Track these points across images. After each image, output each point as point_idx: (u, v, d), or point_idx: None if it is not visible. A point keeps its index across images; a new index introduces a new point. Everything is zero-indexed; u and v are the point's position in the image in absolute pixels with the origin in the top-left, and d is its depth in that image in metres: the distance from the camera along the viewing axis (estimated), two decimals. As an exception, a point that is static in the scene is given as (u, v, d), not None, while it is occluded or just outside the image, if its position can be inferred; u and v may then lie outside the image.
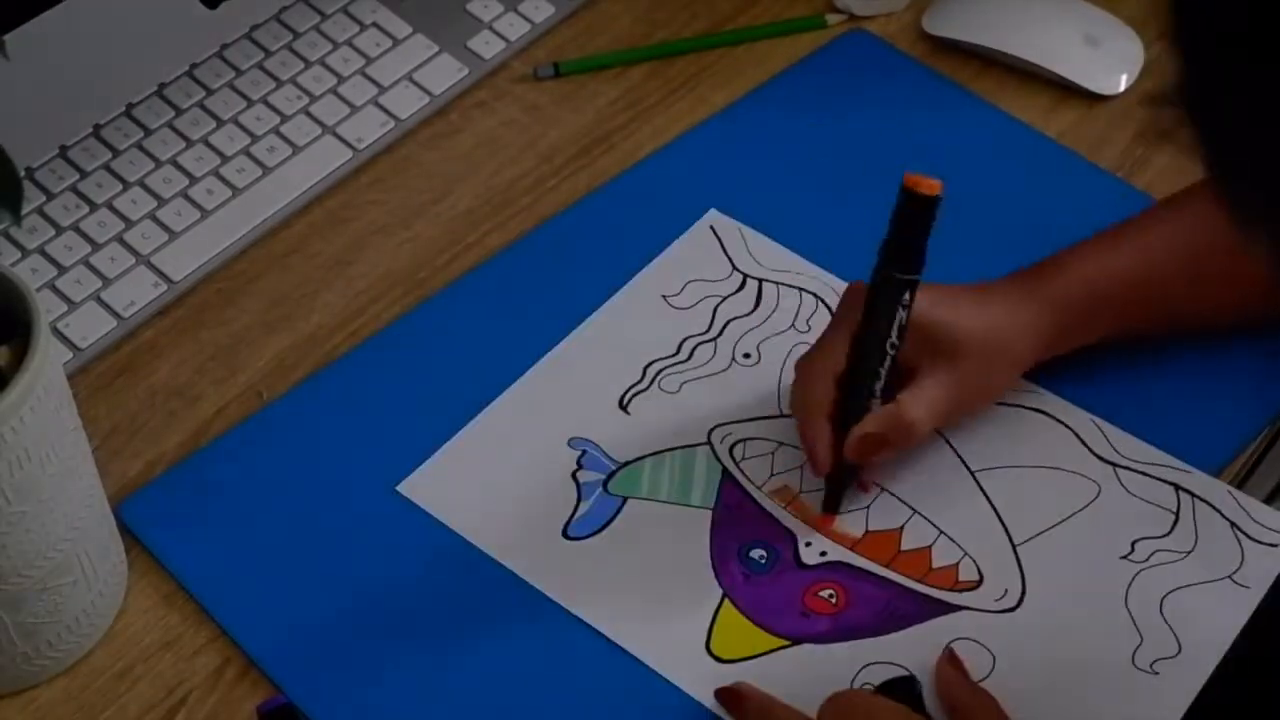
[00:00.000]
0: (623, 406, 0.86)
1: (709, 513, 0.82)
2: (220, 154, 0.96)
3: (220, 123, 0.97)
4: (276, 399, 0.87)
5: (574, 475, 0.83)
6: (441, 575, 0.80)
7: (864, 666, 0.76)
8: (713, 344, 0.88)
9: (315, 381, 0.88)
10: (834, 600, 0.79)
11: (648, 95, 1.02)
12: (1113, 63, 1.02)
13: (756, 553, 0.80)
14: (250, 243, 0.94)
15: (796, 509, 0.82)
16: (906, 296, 0.78)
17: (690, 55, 1.04)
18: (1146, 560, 0.79)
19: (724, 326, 0.89)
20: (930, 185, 0.76)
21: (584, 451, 0.84)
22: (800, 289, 0.90)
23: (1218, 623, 0.77)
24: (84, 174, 0.94)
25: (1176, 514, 0.80)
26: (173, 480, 0.84)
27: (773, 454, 0.84)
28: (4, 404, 0.65)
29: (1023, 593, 0.78)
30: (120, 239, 0.92)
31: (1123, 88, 1.01)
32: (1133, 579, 0.78)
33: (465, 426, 0.85)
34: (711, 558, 0.80)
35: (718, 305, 0.90)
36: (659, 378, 0.87)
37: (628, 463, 0.84)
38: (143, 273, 0.91)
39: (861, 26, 1.05)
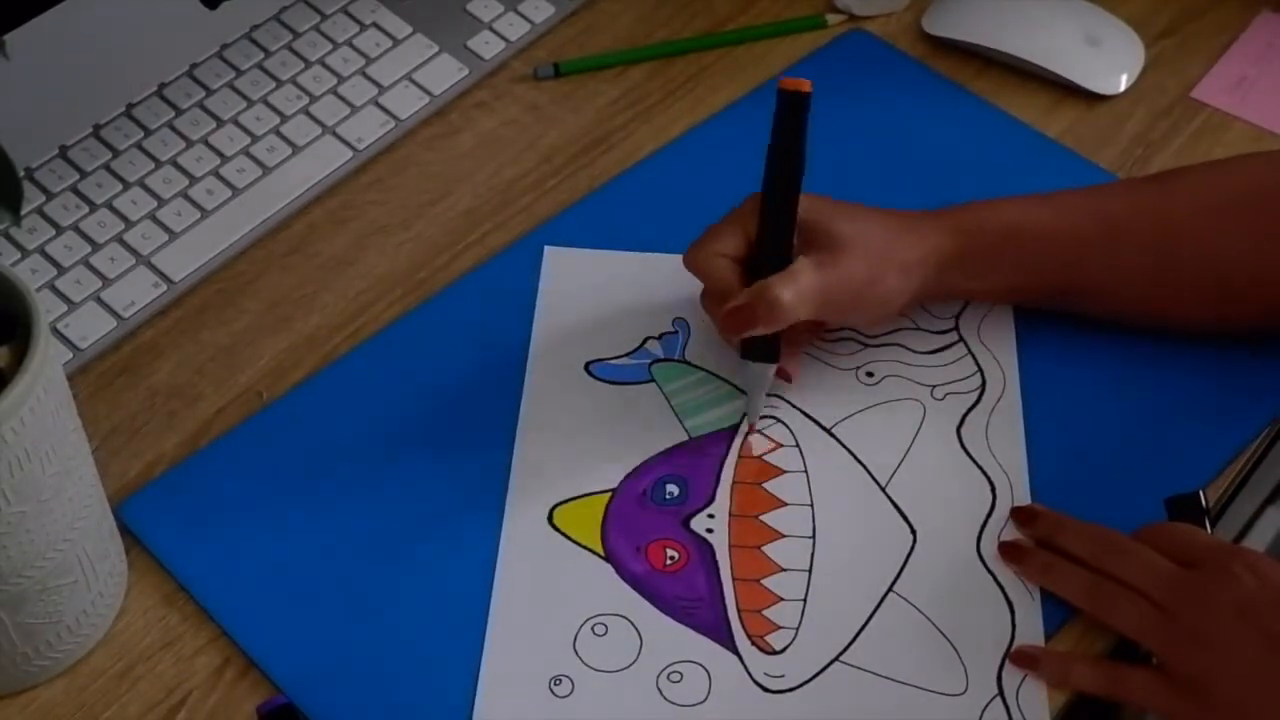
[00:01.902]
0: None
1: (685, 438, 0.84)
2: (220, 154, 0.96)
3: (220, 123, 0.97)
4: (276, 399, 0.87)
5: (646, 338, 0.88)
6: (442, 575, 0.80)
7: (614, 613, 0.78)
8: (861, 346, 0.88)
9: (315, 382, 0.88)
10: (670, 561, 0.80)
11: (648, 95, 1.02)
12: (1113, 63, 1.02)
13: (672, 487, 0.83)
14: (250, 243, 0.94)
15: (742, 493, 0.82)
16: (795, 198, 0.82)
17: (690, 55, 1.04)
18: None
19: (887, 344, 0.88)
20: (801, 84, 0.82)
21: (675, 332, 0.88)
22: None
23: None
24: (84, 174, 0.94)
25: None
26: (173, 480, 0.84)
27: (782, 446, 0.84)
28: (4, 404, 0.65)
29: (792, 689, 0.76)
30: (120, 239, 0.92)
31: (1123, 88, 1.01)
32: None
33: (635, 252, 0.92)
34: (641, 463, 0.83)
35: (904, 329, 0.89)
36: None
37: (688, 363, 0.87)
38: (143, 273, 0.91)
39: (861, 26, 1.05)
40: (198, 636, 0.79)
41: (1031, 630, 0.77)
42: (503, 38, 1.03)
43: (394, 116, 0.99)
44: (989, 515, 0.81)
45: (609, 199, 0.96)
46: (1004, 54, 1.02)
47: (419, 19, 1.04)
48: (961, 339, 0.88)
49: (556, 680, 0.76)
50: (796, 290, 0.80)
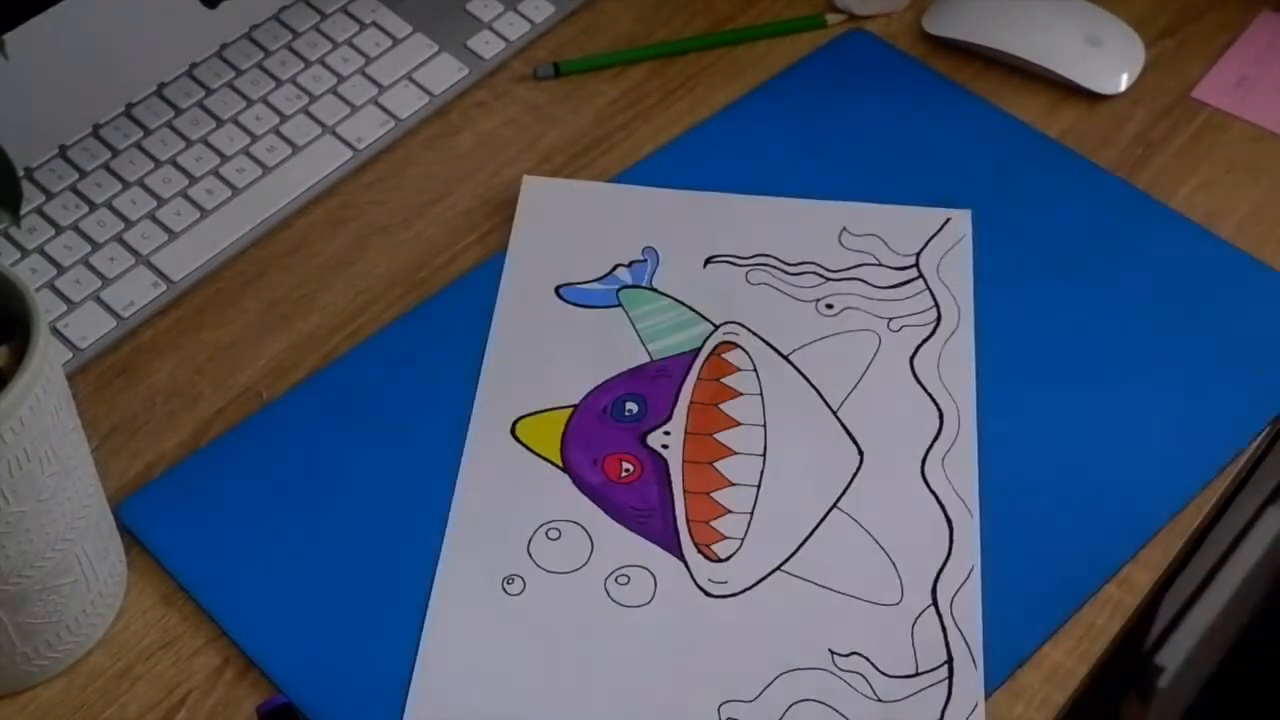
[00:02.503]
0: (706, 262, 0.91)
1: (649, 362, 0.87)
2: (220, 154, 0.96)
3: (220, 122, 0.97)
4: (276, 399, 0.87)
5: (616, 266, 0.91)
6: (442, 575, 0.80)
7: (566, 519, 0.81)
8: (823, 280, 0.91)
9: (315, 382, 0.88)
10: (626, 474, 0.83)
11: (648, 95, 1.02)
12: (1113, 63, 1.02)
13: (631, 405, 0.85)
14: (250, 243, 0.94)
15: (698, 412, 0.85)
16: None
17: (690, 55, 1.04)
18: (844, 671, 0.77)
19: (848, 278, 0.91)
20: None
21: (644, 260, 0.91)
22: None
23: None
24: (83, 174, 0.94)
25: (917, 673, 0.77)
26: (173, 480, 0.84)
27: (740, 371, 0.86)
28: (3, 404, 0.65)
29: (732, 594, 0.79)
30: (120, 239, 0.92)
31: (1123, 88, 1.01)
32: (812, 668, 0.77)
33: (615, 184, 0.95)
34: (602, 383, 0.86)
35: (866, 264, 0.91)
36: (755, 267, 0.91)
37: (655, 290, 0.90)
38: (142, 273, 0.91)
39: (861, 26, 1.05)
40: (197, 636, 0.79)
41: (968, 545, 0.80)
42: (503, 37, 1.03)
43: (394, 116, 0.99)
44: (934, 439, 0.84)
45: (609, 199, 0.96)
46: (1004, 54, 1.02)
47: (419, 18, 1.04)
48: (921, 275, 0.90)
49: (509, 579, 0.79)
50: None
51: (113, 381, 0.88)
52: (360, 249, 0.94)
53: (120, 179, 0.94)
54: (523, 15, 1.04)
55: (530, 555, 0.80)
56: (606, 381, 0.86)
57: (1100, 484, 0.83)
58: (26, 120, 0.92)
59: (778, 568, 0.80)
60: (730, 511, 0.82)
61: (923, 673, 0.77)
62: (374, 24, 1.03)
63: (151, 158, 0.95)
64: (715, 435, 0.84)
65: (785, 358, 0.87)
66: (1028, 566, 0.80)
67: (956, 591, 0.79)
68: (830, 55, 1.04)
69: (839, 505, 0.82)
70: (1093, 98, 1.01)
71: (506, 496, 0.82)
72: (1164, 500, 0.83)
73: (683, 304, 0.89)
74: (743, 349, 0.87)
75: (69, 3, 0.93)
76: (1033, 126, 0.99)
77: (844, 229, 0.92)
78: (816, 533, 0.81)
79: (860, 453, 0.84)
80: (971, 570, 0.80)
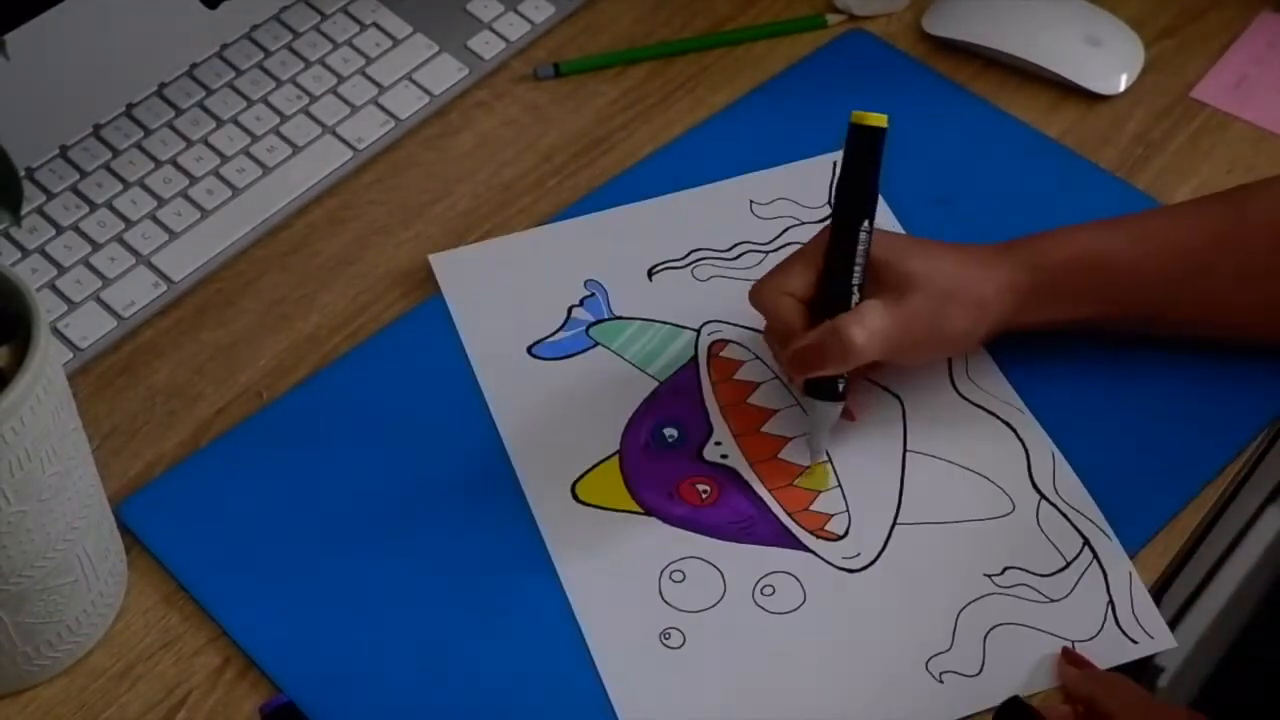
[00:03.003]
0: (650, 274, 0.91)
1: (655, 384, 0.86)
2: (220, 154, 0.96)
3: (220, 123, 0.97)
4: (276, 399, 0.87)
5: (570, 308, 0.90)
6: (443, 573, 0.80)
7: (683, 557, 0.80)
8: (763, 255, 0.91)
9: (315, 382, 0.88)
10: (705, 495, 0.82)
11: (648, 95, 1.02)
12: (1113, 63, 1.02)
13: (669, 430, 0.85)
14: (250, 243, 0.94)
15: (733, 413, 0.85)
16: (864, 234, 0.80)
17: (690, 55, 1.04)
18: (1008, 588, 0.79)
19: (784, 245, 0.91)
20: (877, 118, 0.80)
21: (592, 294, 0.90)
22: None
23: (1028, 674, 0.76)
24: (84, 174, 0.94)
25: (1068, 563, 0.79)
26: (173, 480, 0.84)
27: (744, 362, 0.87)
28: (4, 404, 0.65)
29: (872, 561, 0.80)
30: (120, 239, 0.92)
31: (1123, 88, 1.01)
32: (982, 596, 0.78)
33: (518, 232, 0.93)
34: (631, 418, 0.85)
35: (791, 227, 0.92)
36: (697, 264, 0.91)
37: (620, 318, 0.89)
38: (143, 273, 0.91)
39: (861, 26, 1.05)
40: (198, 636, 0.79)
41: (1037, 436, 0.83)
42: (503, 38, 1.03)
43: (394, 116, 0.99)
44: (951, 363, 0.86)
45: (609, 199, 0.96)
46: (1004, 54, 1.02)
47: (419, 19, 1.04)
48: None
49: (665, 635, 0.78)
50: (867, 331, 0.79)
51: (113, 381, 0.88)
52: (360, 249, 0.94)
53: (121, 179, 0.94)
54: (523, 15, 1.05)
55: (669, 604, 0.79)
56: (631, 417, 0.85)
57: (1100, 484, 0.83)
58: (27, 120, 0.92)
59: (895, 523, 0.81)
60: (820, 491, 0.82)
61: (1071, 561, 0.79)
62: (374, 24, 1.03)
63: (152, 158, 0.95)
64: (762, 429, 0.84)
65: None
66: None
67: (1053, 477, 0.82)
68: (830, 55, 1.04)
69: (909, 448, 0.83)
70: (1092, 98, 1.01)
71: (611, 560, 0.80)
72: (1164, 500, 0.83)
73: (654, 321, 0.89)
74: (735, 342, 0.88)
75: (69, 3, 0.92)
76: (1033, 126, 0.99)
77: (751, 201, 0.93)
78: (905, 479, 0.82)
79: (896, 395, 0.85)
80: (1053, 455, 0.83)
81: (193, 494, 0.83)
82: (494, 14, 1.04)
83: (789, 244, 0.90)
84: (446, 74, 1.01)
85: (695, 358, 0.87)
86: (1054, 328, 0.85)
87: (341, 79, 1.00)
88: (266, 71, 1.00)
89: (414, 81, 1.01)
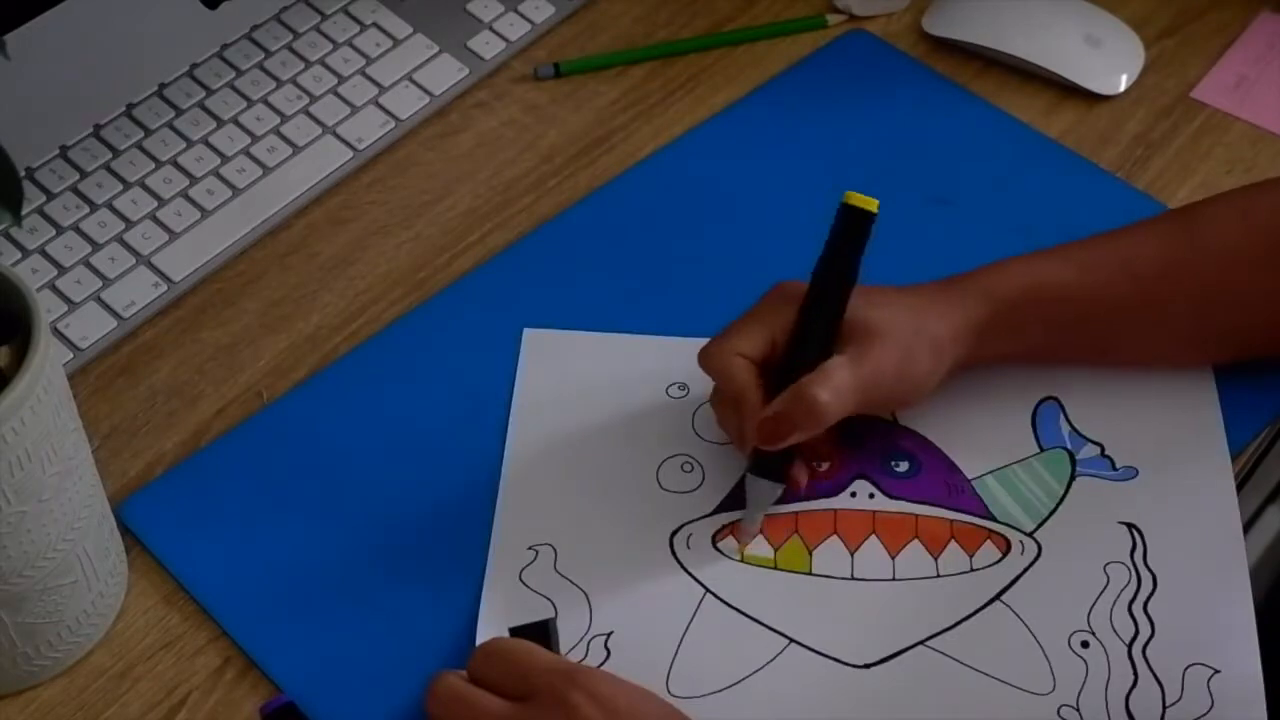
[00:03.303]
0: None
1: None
2: (220, 154, 0.96)
3: (220, 123, 0.97)
4: (276, 399, 0.87)
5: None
6: (441, 576, 0.80)
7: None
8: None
9: (315, 382, 0.88)
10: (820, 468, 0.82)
11: (648, 95, 1.02)
12: (1113, 63, 1.02)
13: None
14: (250, 243, 0.94)
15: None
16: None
17: (690, 55, 1.04)
18: None
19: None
20: (868, 202, 0.79)
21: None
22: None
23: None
24: (84, 174, 0.94)
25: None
26: (173, 480, 0.84)
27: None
28: (4, 404, 0.65)
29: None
30: (120, 239, 0.92)
31: (1123, 88, 1.01)
32: None
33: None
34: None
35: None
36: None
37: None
38: (143, 273, 0.91)
39: (861, 27, 1.05)
40: (198, 636, 0.79)
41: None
42: (503, 38, 1.03)
43: (394, 116, 0.99)
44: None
45: (609, 199, 0.96)
46: (1004, 54, 1.02)
47: (419, 19, 1.04)
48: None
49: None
50: (834, 389, 0.76)
51: (113, 382, 0.88)
52: (360, 249, 0.94)
53: (121, 179, 0.94)
54: (523, 16, 1.05)
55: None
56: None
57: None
58: (27, 120, 0.92)
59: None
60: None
61: None
62: (374, 24, 1.03)
63: (152, 158, 0.95)
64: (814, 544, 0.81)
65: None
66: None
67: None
68: (830, 56, 1.04)
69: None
70: (1092, 98, 1.01)
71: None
72: (1164, 500, 0.83)
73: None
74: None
75: (70, 3, 0.93)
76: (1032, 127, 0.99)
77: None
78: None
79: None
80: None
81: (193, 494, 0.83)
82: (494, 14, 1.04)
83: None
84: (447, 74, 1.01)
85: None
86: (1008, 360, 0.83)
87: (342, 79, 1.00)
88: (267, 72, 1.00)
89: (414, 82, 1.01)
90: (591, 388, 0.86)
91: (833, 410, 0.77)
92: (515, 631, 0.75)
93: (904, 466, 0.82)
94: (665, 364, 0.86)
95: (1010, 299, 0.81)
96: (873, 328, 0.78)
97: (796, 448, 0.79)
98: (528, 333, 0.88)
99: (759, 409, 0.78)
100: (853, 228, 0.79)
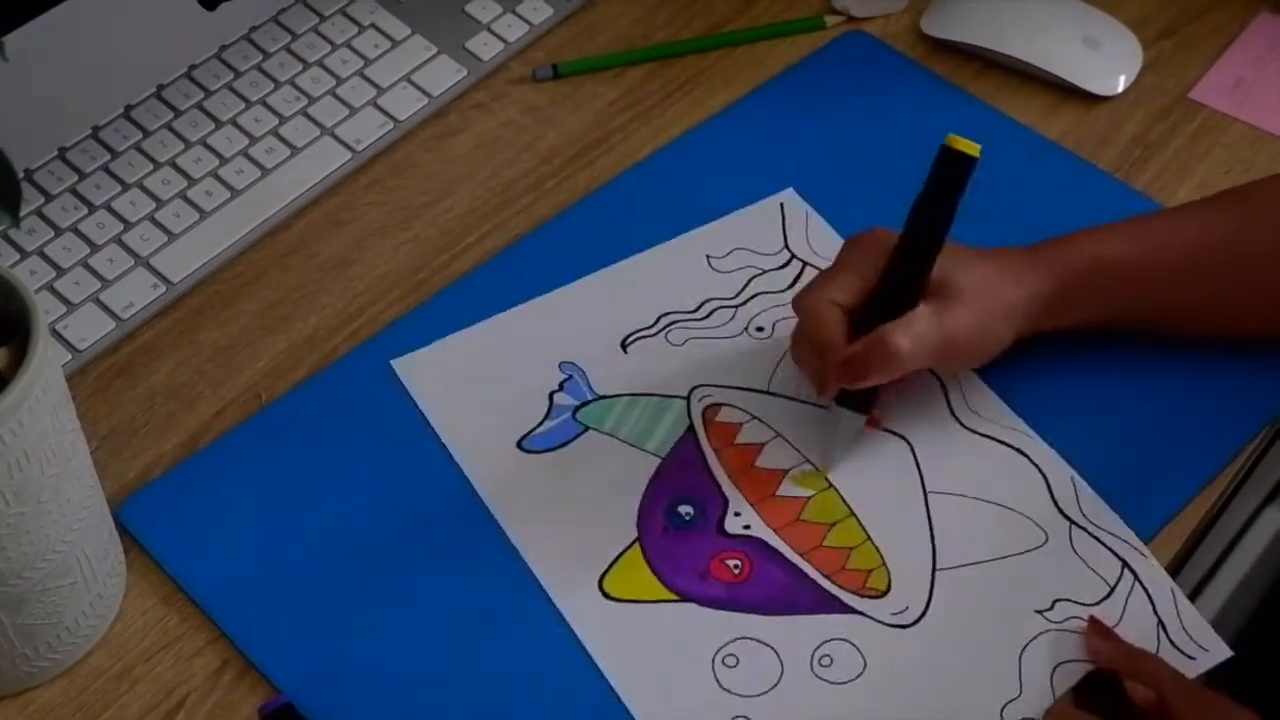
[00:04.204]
0: (623, 346, 0.88)
1: (657, 461, 0.83)
2: (219, 155, 0.96)
3: (219, 124, 0.97)
4: (276, 400, 0.87)
5: (551, 394, 0.86)
6: (440, 576, 0.80)
7: (732, 640, 0.77)
8: (733, 310, 0.89)
9: (314, 383, 0.88)
10: (738, 571, 0.80)
11: (647, 96, 1.02)
12: (1112, 63, 1.02)
13: (685, 509, 0.82)
14: (249, 244, 0.94)
15: (745, 480, 0.83)
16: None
17: (689, 56, 1.04)
18: (1061, 622, 0.78)
19: (751, 297, 0.90)
20: (971, 146, 0.80)
21: (570, 376, 0.87)
22: None
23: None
24: (82, 175, 0.94)
25: (1112, 589, 0.79)
26: (172, 481, 0.84)
27: (742, 424, 0.85)
28: (3, 406, 0.65)
29: (922, 614, 0.78)
30: (119, 240, 0.92)
31: (1122, 88, 1.01)
32: (1038, 635, 0.77)
33: (476, 324, 0.89)
34: (641, 501, 0.82)
35: (754, 276, 0.91)
36: (669, 329, 0.89)
37: (604, 397, 0.86)
38: (141, 274, 0.91)
39: (860, 28, 1.05)
40: (197, 637, 0.79)
41: (1051, 459, 0.82)
42: (501, 39, 1.03)
43: (392, 118, 0.99)
44: (947, 393, 0.84)
45: (608, 200, 0.96)
46: (1003, 55, 1.02)
47: (417, 20, 1.04)
48: (802, 260, 0.90)
49: None
50: (914, 337, 0.79)
51: (112, 383, 0.88)
52: (359, 250, 0.94)
53: (119, 181, 0.94)
54: (521, 17, 1.05)
55: (729, 691, 0.76)
56: (642, 501, 0.82)
57: (1100, 484, 0.83)
58: (26, 122, 0.92)
59: (935, 570, 0.79)
60: (852, 548, 0.80)
61: (1114, 586, 0.78)
62: (373, 26, 1.03)
63: (150, 159, 0.95)
64: (777, 493, 0.82)
65: (765, 392, 0.86)
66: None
67: (1077, 500, 0.81)
68: (829, 57, 1.04)
69: (928, 489, 0.82)
70: (1091, 99, 1.01)
71: (660, 657, 0.77)
72: (1163, 501, 0.83)
73: (640, 394, 0.86)
74: (728, 404, 0.85)
75: (69, 3, 0.93)
76: (1031, 128, 0.99)
77: (707, 257, 0.91)
78: (934, 523, 0.81)
79: (902, 436, 0.83)
80: (1072, 479, 0.82)
81: (192, 495, 0.83)
82: (492, 15, 1.04)
83: (756, 294, 0.89)
84: (445, 75, 1.01)
85: (691, 426, 0.85)
86: (1064, 330, 0.85)
87: (340, 80, 1.00)
88: (265, 73, 1.00)
89: (412, 83, 1.01)
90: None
91: (911, 358, 0.79)
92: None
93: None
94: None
95: (1076, 273, 0.83)
96: (958, 286, 0.80)
97: (880, 387, 0.81)
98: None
99: (842, 353, 0.80)
100: (952, 171, 0.80)
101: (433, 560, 0.80)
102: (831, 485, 0.82)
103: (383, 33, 1.03)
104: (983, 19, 1.03)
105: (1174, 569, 0.83)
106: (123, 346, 0.90)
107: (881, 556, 0.80)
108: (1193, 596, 0.80)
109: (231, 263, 0.93)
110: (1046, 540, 0.80)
